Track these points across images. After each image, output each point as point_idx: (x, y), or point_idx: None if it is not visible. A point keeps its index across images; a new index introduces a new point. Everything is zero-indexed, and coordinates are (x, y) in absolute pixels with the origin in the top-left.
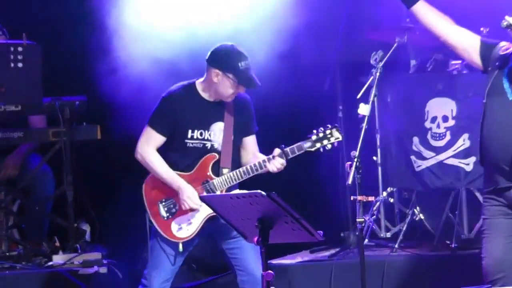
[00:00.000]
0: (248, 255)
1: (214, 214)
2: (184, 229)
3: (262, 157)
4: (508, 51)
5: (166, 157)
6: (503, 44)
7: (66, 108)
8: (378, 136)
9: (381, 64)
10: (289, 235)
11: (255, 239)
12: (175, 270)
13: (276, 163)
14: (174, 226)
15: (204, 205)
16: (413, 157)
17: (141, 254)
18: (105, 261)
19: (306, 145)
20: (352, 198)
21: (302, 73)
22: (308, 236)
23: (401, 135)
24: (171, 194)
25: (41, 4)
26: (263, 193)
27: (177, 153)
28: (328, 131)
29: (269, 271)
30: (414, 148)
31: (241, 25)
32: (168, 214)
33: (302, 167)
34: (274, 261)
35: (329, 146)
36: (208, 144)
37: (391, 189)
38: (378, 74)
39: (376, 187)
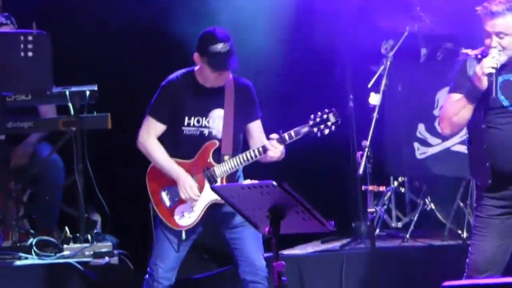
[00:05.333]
0: (249, 246)
1: (216, 201)
2: (186, 217)
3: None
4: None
5: (165, 145)
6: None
7: (76, 97)
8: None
9: (391, 53)
10: (300, 226)
11: (266, 229)
12: (179, 259)
13: (274, 149)
14: (176, 214)
15: (205, 192)
16: (416, 144)
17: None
18: (116, 252)
19: (304, 130)
20: (363, 188)
21: (312, 62)
22: (319, 226)
23: (406, 122)
24: (173, 182)
25: None
26: (274, 183)
27: (175, 141)
28: (325, 116)
29: (280, 262)
30: (418, 135)
31: (246, 11)
32: (170, 202)
33: (313, 157)
34: (285, 252)
35: (327, 131)
36: (206, 131)
37: (402, 178)
38: (388, 63)
39: (387, 177)
